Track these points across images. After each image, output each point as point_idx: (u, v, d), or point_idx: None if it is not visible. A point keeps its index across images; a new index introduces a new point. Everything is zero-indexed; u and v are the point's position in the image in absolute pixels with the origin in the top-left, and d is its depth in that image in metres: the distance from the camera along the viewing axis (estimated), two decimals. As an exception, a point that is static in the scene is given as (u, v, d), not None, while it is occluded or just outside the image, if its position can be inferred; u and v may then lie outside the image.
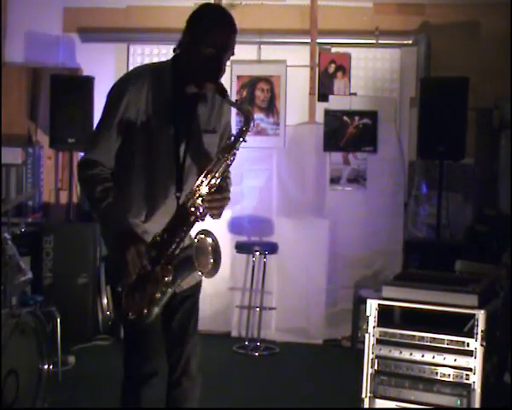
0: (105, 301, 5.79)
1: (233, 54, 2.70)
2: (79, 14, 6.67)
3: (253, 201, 6.12)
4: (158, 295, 2.59)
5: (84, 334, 5.66)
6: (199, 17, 2.67)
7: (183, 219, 2.63)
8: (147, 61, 6.55)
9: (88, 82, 6.10)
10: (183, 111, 2.72)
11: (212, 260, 2.57)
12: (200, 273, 2.59)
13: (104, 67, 6.43)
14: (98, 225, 2.75)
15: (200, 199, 2.61)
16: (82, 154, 2.77)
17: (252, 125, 2.66)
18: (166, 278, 2.58)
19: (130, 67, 6.50)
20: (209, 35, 2.61)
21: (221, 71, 2.68)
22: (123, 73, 2.85)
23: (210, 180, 2.61)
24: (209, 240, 2.57)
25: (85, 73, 6.47)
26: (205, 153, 2.80)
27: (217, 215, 2.66)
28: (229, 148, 2.64)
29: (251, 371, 5.27)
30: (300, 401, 4.58)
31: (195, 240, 2.55)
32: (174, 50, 2.74)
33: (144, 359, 2.76)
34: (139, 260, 2.54)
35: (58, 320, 4.59)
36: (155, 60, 6.55)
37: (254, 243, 6.02)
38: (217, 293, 6.08)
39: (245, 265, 6.09)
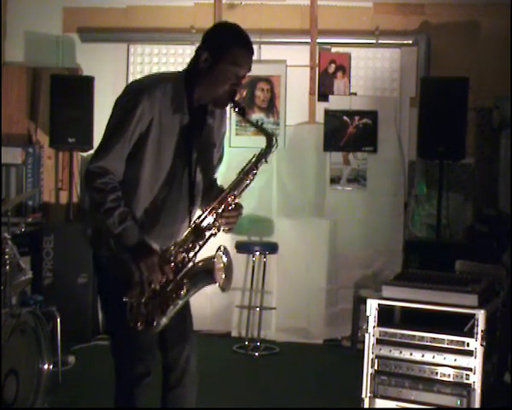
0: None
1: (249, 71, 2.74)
2: (79, 14, 6.67)
3: (253, 201, 6.11)
4: (170, 307, 2.61)
5: (84, 334, 5.66)
6: (218, 36, 2.70)
7: (199, 233, 2.67)
8: (147, 60, 6.55)
9: (88, 82, 6.11)
10: (194, 127, 2.73)
11: (224, 276, 2.64)
12: (217, 286, 2.64)
13: (104, 67, 6.43)
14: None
15: (216, 215, 2.67)
16: (84, 154, 2.75)
17: (274, 146, 2.71)
18: (182, 292, 2.60)
19: (131, 67, 6.50)
20: (231, 54, 2.64)
21: (239, 90, 2.73)
22: (130, 76, 2.85)
23: (230, 199, 2.68)
24: (225, 258, 2.64)
25: (85, 73, 6.46)
26: (211, 166, 2.87)
27: (230, 230, 2.74)
28: (250, 169, 2.71)
29: (251, 371, 5.27)
30: (300, 401, 4.58)
31: (219, 254, 2.62)
32: (189, 65, 2.74)
33: (137, 358, 2.76)
34: (154, 272, 2.56)
35: (58, 320, 4.59)
36: (155, 60, 6.55)
37: (254, 243, 6.02)
38: (217, 293, 6.01)
39: (245, 265, 6.09)
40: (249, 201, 6.10)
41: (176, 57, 6.47)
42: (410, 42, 6.24)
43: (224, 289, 2.66)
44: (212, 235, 2.68)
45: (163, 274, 2.58)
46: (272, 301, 6.07)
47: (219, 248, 2.64)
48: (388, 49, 6.29)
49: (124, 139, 2.61)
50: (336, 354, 5.77)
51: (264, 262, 5.91)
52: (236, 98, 2.71)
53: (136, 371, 2.75)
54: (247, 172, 2.72)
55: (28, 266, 4.65)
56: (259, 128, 2.80)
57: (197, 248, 2.67)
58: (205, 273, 2.64)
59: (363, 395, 3.37)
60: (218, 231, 2.69)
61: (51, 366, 3.94)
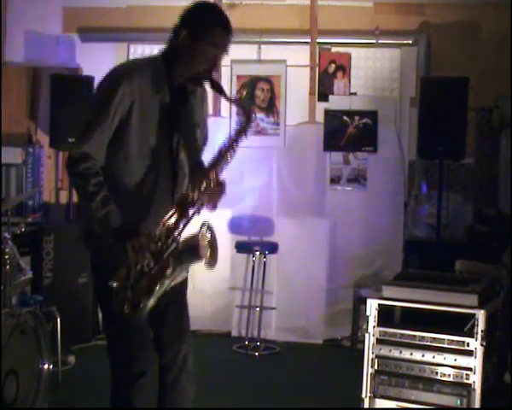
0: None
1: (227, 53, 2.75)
2: (79, 13, 6.67)
3: (253, 201, 6.11)
4: (156, 287, 2.61)
5: (84, 334, 5.66)
6: (198, 15, 2.70)
7: (182, 212, 2.67)
8: (147, 61, 6.55)
9: (88, 82, 6.09)
10: (175, 106, 2.74)
11: (209, 253, 2.65)
12: (203, 263, 2.65)
13: (104, 67, 6.36)
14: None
15: (198, 193, 2.67)
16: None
17: (253, 121, 2.74)
18: (168, 271, 2.61)
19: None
20: (211, 34, 2.66)
21: (217, 69, 2.76)
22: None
23: (212, 176, 2.68)
24: (208, 234, 2.65)
25: (85, 73, 6.46)
26: (195, 147, 2.86)
27: (214, 208, 2.74)
28: (230, 145, 2.71)
29: (251, 371, 5.27)
30: (300, 401, 4.58)
31: (202, 231, 2.63)
32: (166, 44, 2.77)
33: (132, 358, 2.75)
34: (141, 253, 2.56)
35: (58, 320, 4.59)
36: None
37: (254, 242, 6.02)
38: (217, 293, 6.09)
39: (245, 265, 6.09)
40: (249, 201, 6.11)
41: (176, 57, 6.46)
42: (410, 42, 6.24)
43: (210, 265, 2.67)
44: (195, 213, 2.68)
45: (149, 254, 2.57)
46: (272, 301, 6.07)
47: (203, 224, 2.65)
48: (388, 49, 6.29)
49: (105, 124, 2.64)
50: (336, 354, 5.77)
51: (264, 262, 5.91)
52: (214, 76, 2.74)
53: (132, 371, 2.75)
54: (227, 149, 2.72)
55: (28, 266, 4.65)
56: (236, 103, 2.88)
57: (181, 227, 2.67)
58: (190, 251, 2.64)
59: (363, 395, 3.37)
60: (202, 208, 2.69)
61: (51, 366, 3.94)
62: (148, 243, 2.58)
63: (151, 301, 2.63)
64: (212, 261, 2.67)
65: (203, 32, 2.65)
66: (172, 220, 2.66)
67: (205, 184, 2.68)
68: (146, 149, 2.69)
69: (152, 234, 2.62)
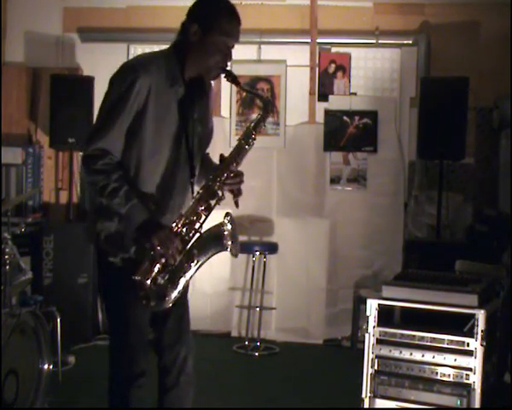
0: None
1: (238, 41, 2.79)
2: (79, 14, 6.67)
3: (253, 201, 6.11)
4: (181, 279, 2.64)
5: (84, 334, 5.66)
6: (207, 7, 2.72)
7: (205, 203, 2.69)
8: (147, 61, 6.55)
9: (88, 82, 6.11)
10: (189, 98, 2.75)
11: (230, 243, 2.70)
12: (228, 250, 2.71)
13: (104, 67, 6.40)
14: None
15: (219, 183, 2.70)
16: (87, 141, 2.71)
17: (271, 111, 2.77)
18: (192, 263, 2.64)
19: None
20: (222, 24, 2.68)
21: (230, 59, 2.77)
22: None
23: (232, 166, 2.72)
24: (229, 225, 2.70)
25: (85, 73, 6.46)
26: (205, 139, 2.89)
27: (238, 197, 2.77)
28: (250, 134, 2.76)
29: (251, 371, 5.27)
30: (300, 401, 4.58)
31: (224, 221, 2.69)
32: (177, 39, 2.78)
33: (133, 359, 2.76)
34: (167, 245, 2.56)
35: (58, 320, 4.59)
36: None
37: (254, 243, 6.02)
38: (217, 293, 6.08)
39: (245, 265, 6.09)
40: (249, 201, 6.10)
41: (176, 57, 6.46)
42: (410, 42, 6.24)
43: (235, 255, 2.72)
44: (217, 203, 2.71)
45: (174, 247, 2.58)
46: (272, 301, 6.07)
47: (227, 214, 2.70)
48: (388, 49, 6.29)
49: (122, 116, 2.62)
50: (336, 354, 5.77)
51: (264, 262, 5.91)
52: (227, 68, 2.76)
53: (133, 371, 2.75)
54: (247, 138, 2.75)
55: (28, 266, 4.65)
56: (255, 94, 2.91)
57: (203, 218, 2.69)
58: (214, 241, 2.69)
59: (363, 395, 3.37)
60: (222, 199, 2.71)
61: (51, 366, 3.94)
62: (172, 236, 2.59)
63: (176, 293, 2.65)
64: (235, 251, 2.71)
65: (214, 24, 2.67)
66: (194, 212, 2.68)
67: (226, 174, 2.71)
68: (162, 141, 2.69)
69: (174, 227, 2.63)
